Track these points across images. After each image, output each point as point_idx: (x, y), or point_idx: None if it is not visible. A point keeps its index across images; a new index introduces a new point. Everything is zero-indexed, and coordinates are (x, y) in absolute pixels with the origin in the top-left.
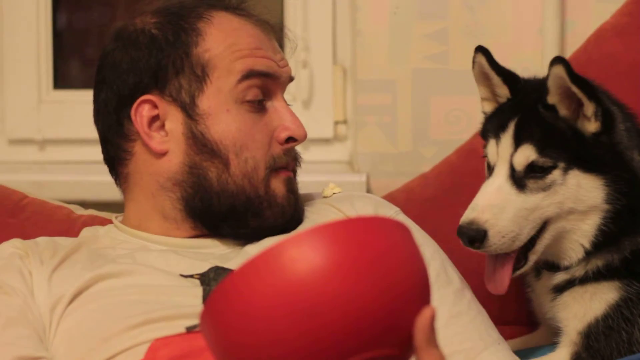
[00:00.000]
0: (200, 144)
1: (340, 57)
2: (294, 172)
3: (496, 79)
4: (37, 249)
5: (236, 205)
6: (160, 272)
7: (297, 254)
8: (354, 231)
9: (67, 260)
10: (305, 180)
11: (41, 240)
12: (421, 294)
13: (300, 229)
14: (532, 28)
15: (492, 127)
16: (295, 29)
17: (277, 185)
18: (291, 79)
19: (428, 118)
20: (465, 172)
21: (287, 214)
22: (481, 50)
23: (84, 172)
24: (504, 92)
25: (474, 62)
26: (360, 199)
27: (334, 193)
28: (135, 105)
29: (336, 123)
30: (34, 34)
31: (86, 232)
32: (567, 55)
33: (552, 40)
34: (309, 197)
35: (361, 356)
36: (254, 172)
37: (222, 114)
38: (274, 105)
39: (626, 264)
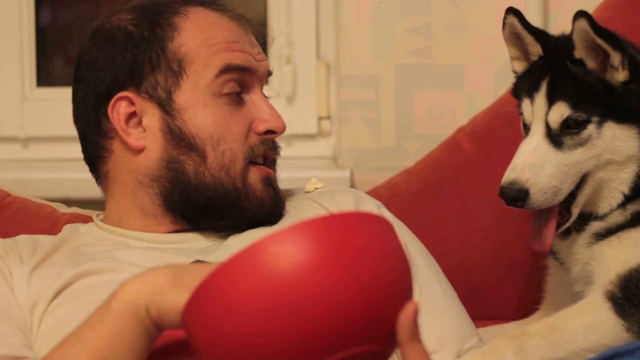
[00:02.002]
0: (178, 139)
1: (324, 53)
2: (274, 161)
3: (529, 38)
4: (17, 248)
5: (214, 197)
6: (141, 269)
7: (279, 250)
8: (336, 227)
9: (47, 259)
10: (289, 175)
11: (21, 238)
12: (403, 289)
13: (283, 224)
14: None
15: (525, 86)
16: (279, 24)
17: (255, 180)
18: (269, 73)
19: (411, 113)
20: (449, 167)
21: (266, 206)
22: (512, 11)
23: (68, 170)
24: (536, 50)
25: (504, 23)
26: (342, 193)
27: (316, 188)
28: (112, 102)
29: (320, 118)
30: (17, 32)
31: (67, 229)
32: None
33: None
34: (291, 193)
35: (343, 352)
36: (231, 164)
37: (199, 108)
38: (251, 98)
39: None
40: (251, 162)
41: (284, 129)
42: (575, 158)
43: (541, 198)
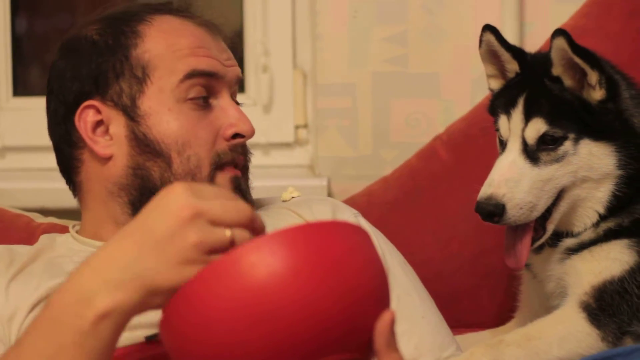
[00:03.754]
0: (143, 145)
1: (300, 61)
2: (245, 167)
3: (506, 55)
4: None
5: None
6: None
7: (257, 259)
8: (313, 236)
9: (24, 270)
10: (266, 184)
11: None
12: (380, 298)
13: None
14: None
15: (501, 103)
16: (255, 33)
17: (222, 183)
18: (239, 79)
19: (388, 121)
20: (425, 175)
21: None
22: (489, 28)
23: (44, 180)
24: (513, 67)
25: (481, 40)
26: (319, 202)
27: (292, 197)
28: (78, 111)
29: (297, 127)
30: None
31: (44, 239)
32: None
33: (511, 41)
34: (268, 202)
35: None
36: (197, 170)
37: (164, 114)
38: (219, 103)
39: (637, 224)
40: (218, 167)
41: (252, 132)
42: (551, 174)
43: (517, 213)
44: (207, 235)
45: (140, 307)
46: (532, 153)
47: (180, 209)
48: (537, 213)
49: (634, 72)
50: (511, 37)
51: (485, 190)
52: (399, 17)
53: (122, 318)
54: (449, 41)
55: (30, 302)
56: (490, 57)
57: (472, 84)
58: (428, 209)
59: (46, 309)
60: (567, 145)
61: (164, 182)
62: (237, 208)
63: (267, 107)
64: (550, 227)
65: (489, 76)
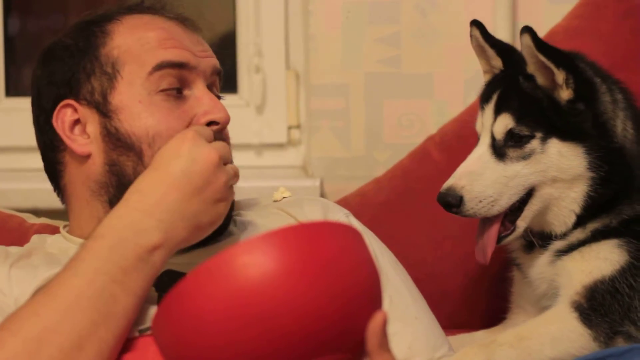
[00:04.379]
0: (115, 139)
1: (293, 62)
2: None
3: (490, 51)
4: None
5: None
6: None
7: (249, 259)
8: (305, 236)
9: (21, 261)
10: (258, 185)
11: None
12: (373, 299)
13: (251, 234)
14: None
15: (481, 98)
16: (248, 33)
17: None
18: (217, 70)
19: (381, 122)
20: (418, 176)
21: None
22: (475, 23)
23: (36, 180)
24: (498, 63)
25: (471, 35)
26: (310, 203)
27: (284, 197)
28: (55, 112)
29: (289, 128)
30: None
31: (35, 239)
32: None
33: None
34: (259, 202)
35: None
36: None
37: (134, 107)
38: (193, 93)
39: (625, 225)
40: None
41: (227, 119)
42: (516, 171)
43: (475, 206)
44: (228, 174)
45: (186, 241)
46: (500, 149)
47: (207, 157)
48: (499, 208)
49: (627, 72)
50: (504, 37)
51: (448, 182)
52: (392, 17)
53: (170, 250)
54: (442, 42)
55: (34, 286)
56: (481, 51)
57: (465, 84)
58: (421, 209)
59: (98, 240)
60: (535, 143)
61: (137, 177)
62: (226, 147)
63: (259, 108)
64: (521, 225)
65: (484, 72)
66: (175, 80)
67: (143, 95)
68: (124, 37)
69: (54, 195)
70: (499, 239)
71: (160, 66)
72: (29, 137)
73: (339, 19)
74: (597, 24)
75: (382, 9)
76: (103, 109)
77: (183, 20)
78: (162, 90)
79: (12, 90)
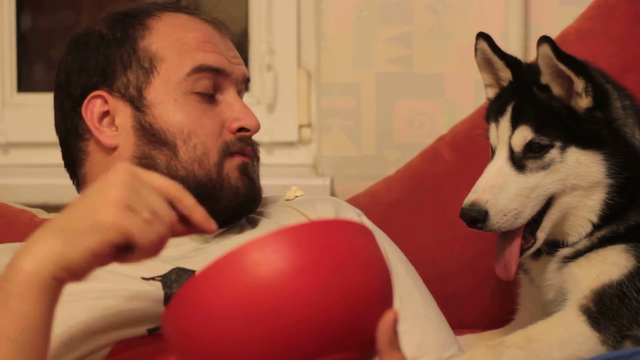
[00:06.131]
0: (149, 134)
1: (305, 61)
2: (256, 157)
3: (499, 63)
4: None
5: (187, 189)
6: (121, 275)
7: (260, 257)
8: (317, 234)
9: None
10: (269, 183)
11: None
12: (383, 298)
13: (263, 232)
14: (495, 32)
15: (492, 111)
16: (260, 32)
17: (231, 169)
18: (246, 78)
19: (392, 122)
20: (428, 176)
21: (241, 195)
22: (483, 36)
23: (48, 176)
24: (506, 75)
25: (476, 49)
26: (322, 201)
27: (296, 196)
28: (86, 101)
29: (300, 126)
30: None
31: None
32: (530, 59)
33: (515, 44)
34: (271, 200)
35: (323, 359)
36: (204, 157)
37: (170, 104)
38: (225, 99)
39: (632, 231)
40: (227, 155)
41: (257, 127)
42: (537, 181)
43: (501, 220)
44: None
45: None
46: (519, 161)
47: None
48: (522, 220)
49: (638, 74)
50: (516, 39)
51: (470, 197)
52: (404, 17)
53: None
54: (453, 42)
55: None
56: (486, 65)
57: (476, 85)
58: (431, 209)
59: None
60: (554, 153)
61: (170, 171)
62: (169, 182)
63: (271, 106)
64: (541, 236)
65: (486, 85)
66: (211, 85)
67: (178, 94)
68: (163, 34)
69: (65, 190)
70: (521, 251)
71: (199, 69)
72: (40, 132)
73: (351, 18)
74: (609, 26)
75: (394, 9)
76: (137, 103)
77: (218, 25)
78: (197, 93)
79: (24, 86)
